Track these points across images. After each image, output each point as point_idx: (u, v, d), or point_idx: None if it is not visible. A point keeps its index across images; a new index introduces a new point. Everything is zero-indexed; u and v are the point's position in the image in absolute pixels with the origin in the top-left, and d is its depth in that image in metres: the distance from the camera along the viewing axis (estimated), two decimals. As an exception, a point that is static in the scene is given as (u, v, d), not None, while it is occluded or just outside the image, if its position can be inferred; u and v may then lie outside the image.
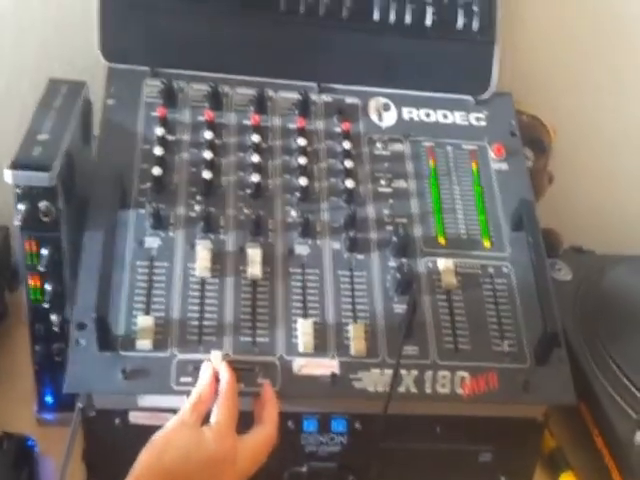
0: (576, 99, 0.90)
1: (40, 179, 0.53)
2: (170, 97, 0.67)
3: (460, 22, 0.75)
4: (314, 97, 0.72)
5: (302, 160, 0.67)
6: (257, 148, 0.67)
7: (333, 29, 0.73)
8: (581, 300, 0.78)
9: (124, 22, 0.68)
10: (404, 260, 0.62)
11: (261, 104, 0.69)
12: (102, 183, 0.60)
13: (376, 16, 0.73)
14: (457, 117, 0.76)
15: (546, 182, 0.87)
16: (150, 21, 0.68)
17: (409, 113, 0.75)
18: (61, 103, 0.60)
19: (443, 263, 0.64)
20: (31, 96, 0.62)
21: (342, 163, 0.68)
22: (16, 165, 0.54)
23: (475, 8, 0.75)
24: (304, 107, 0.70)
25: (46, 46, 0.75)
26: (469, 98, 0.77)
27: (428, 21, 0.74)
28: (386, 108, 0.74)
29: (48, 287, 0.56)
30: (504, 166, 0.73)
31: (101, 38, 0.67)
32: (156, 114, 0.66)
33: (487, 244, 0.67)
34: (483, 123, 0.76)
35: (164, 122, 0.64)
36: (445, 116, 0.76)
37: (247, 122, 0.68)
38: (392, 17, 0.73)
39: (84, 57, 0.68)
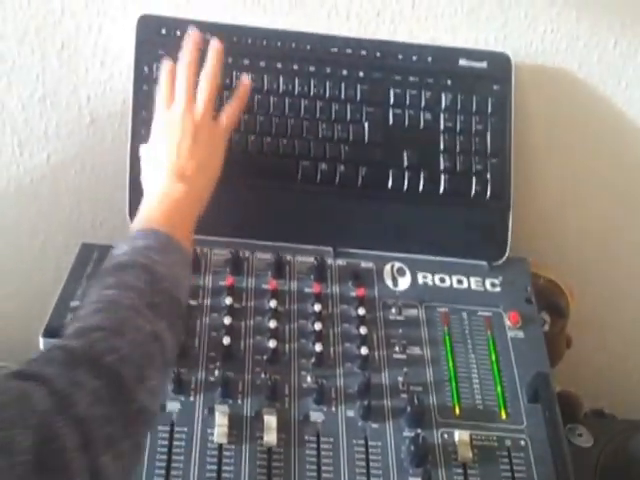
0: (593, 262, 1.08)
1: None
2: (193, 264, 0.83)
3: (473, 189, 0.94)
4: (330, 261, 0.89)
5: (317, 326, 0.83)
6: (274, 313, 0.83)
7: (349, 197, 0.92)
8: (602, 469, 0.88)
9: None
10: (419, 431, 0.76)
11: (279, 269, 0.87)
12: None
13: (390, 184, 0.93)
14: (472, 282, 0.93)
15: (564, 346, 1.02)
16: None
17: (424, 278, 0.92)
18: (92, 269, 0.77)
19: (459, 435, 0.77)
20: (65, 257, 0.80)
21: (357, 329, 0.84)
22: (49, 333, 0.70)
23: (488, 175, 0.95)
24: (320, 272, 0.88)
25: (79, 209, 0.95)
26: (484, 263, 0.94)
27: (441, 189, 0.93)
28: (401, 273, 0.91)
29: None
30: (520, 334, 0.89)
31: (130, 205, 0.86)
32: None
33: (503, 415, 0.81)
34: (498, 289, 0.93)
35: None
36: (460, 281, 0.92)
37: (265, 286, 0.85)
38: (406, 185, 0.93)
39: (114, 220, 0.86)
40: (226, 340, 0.79)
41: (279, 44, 0.91)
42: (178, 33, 0.89)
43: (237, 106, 0.84)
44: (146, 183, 0.78)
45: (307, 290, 0.86)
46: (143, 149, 0.81)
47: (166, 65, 0.82)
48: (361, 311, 0.85)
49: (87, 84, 0.91)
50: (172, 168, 0.75)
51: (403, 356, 0.84)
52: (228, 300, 0.82)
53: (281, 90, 0.91)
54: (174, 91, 0.80)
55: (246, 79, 0.86)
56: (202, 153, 0.77)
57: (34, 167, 0.95)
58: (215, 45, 0.82)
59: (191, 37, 0.81)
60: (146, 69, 0.89)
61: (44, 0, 0.88)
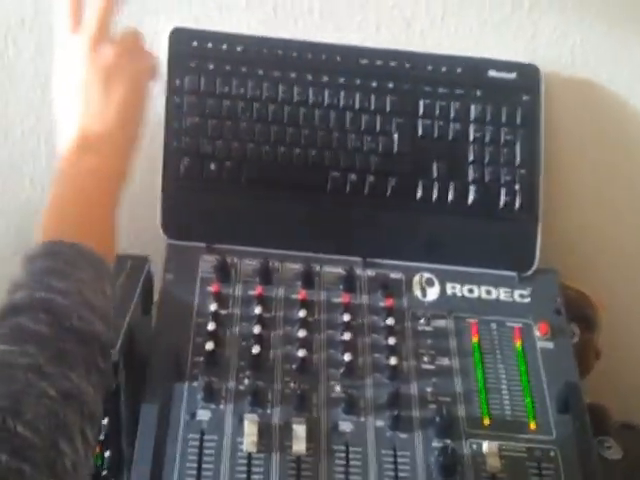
0: (623, 274, 1.07)
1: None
2: (224, 273, 0.85)
3: (502, 200, 0.94)
4: (359, 272, 0.90)
5: (346, 336, 0.83)
6: (304, 323, 0.84)
7: (378, 207, 0.93)
8: (632, 480, 0.88)
9: (184, 202, 0.90)
10: (448, 441, 0.77)
11: (308, 279, 0.88)
12: (159, 356, 0.77)
13: (419, 195, 0.93)
14: (501, 293, 0.93)
15: (593, 358, 1.01)
16: (207, 201, 0.89)
17: (452, 289, 0.92)
18: (125, 279, 0.78)
19: (488, 446, 0.77)
20: None
21: (386, 339, 0.84)
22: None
23: (517, 187, 0.95)
24: (349, 282, 0.88)
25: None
26: (513, 274, 0.94)
27: (470, 199, 0.94)
28: (430, 284, 0.92)
29: (107, 454, 0.72)
30: (549, 345, 0.89)
31: (162, 216, 0.88)
32: (211, 289, 0.84)
33: (533, 426, 0.81)
34: (527, 300, 0.93)
35: (218, 298, 0.83)
36: (489, 292, 0.93)
37: (295, 296, 0.86)
38: (435, 195, 0.93)
39: (148, 232, 0.88)
40: (256, 349, 0.80)
41: (310, 56, 0.92)
42: (210, 45, 0.91)
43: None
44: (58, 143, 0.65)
45: (336, 300, 0.87)
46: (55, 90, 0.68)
47: None
48: (390, 321, 0.86)
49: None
50: (78, 127, 0.62)
51: (432, 367, 0.84)
52: (258, 309, 0.83)
53: (311, 101, 0.92)
54: (79, 12, 0.66)
55: None
56: (118, 98, 0.65)
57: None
58: None
59: None
60: (178, 81, 0.90)
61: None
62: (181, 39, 0.91)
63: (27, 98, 0.97)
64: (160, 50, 0.90)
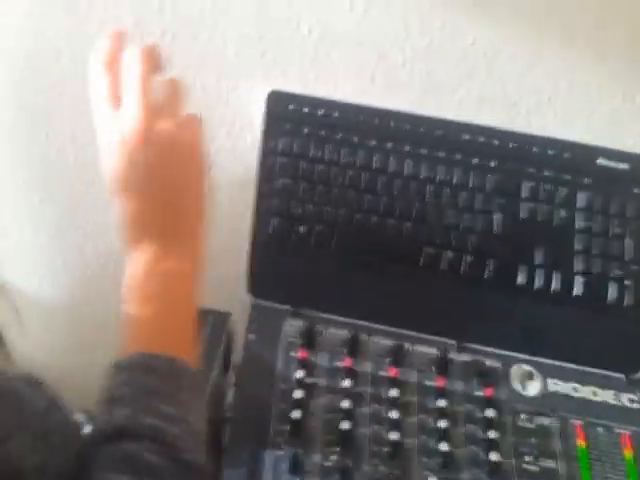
0: None
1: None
2: (310, 339, 0.78)
3: (611, 295, 0.87)
4: (453, 355, 0.82)
5: (442, 423, 0.75)
6: (394, 403, 0.75)
7: (474, 289, 0.86)
8: None
9: (271, 262, 0.85)
10: None
11: (399, 356, 0.80)
12: (240, 419, 0.68)
13: (521, 280, 0.86)
14: (608, 396, 0.83)
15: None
16: (294, 263, 0.84)
17: (555, 385, 0.83)
18: (207, 334, 0.72)
19: None
20: None
21: (484, 432, 0.75)
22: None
23: (627, 282, 0.87)
24: (443, 365, 0.80)
25: None
26: (621, 376, 0.85)
27: (576, 291, 0.86)
28: (530, 377, 0.83)
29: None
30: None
31: (249, 274, 0.83)
32: (296, 355, 0.77)
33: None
34: (637, 405, 0.83)
35: (303, 364, 0.75)
36: (595, 393, 0.83)
37: (384, 373, 0.78)
38: (537, 283, 0.86)
39: (231, 292, 0.82)
40: (344, 425, 0.71)
41: (408, 127, 0.89)
42: (306, 110, 0.88)
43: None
44: (125, 246, 0.57)
45: (429, 383, 0.79)
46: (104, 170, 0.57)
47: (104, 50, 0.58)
48: (489, 413, 0.77)
49: (213, 154, 0.88)
50: (151, 226, 0.55)
51: (535, 468, 0.75)
52: (346, 382, 0.76)
53: (407, 173, 0.87)
54: (119, 88, 0.57)
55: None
56: (165, 179, 0.56)
57: None
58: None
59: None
60: (272, 143, 0.87)
61: (176, 70, 0.87)
62: (278, 102, 0.89)
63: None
64: (256, 112, 0.87)
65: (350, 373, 0.77)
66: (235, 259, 0.84)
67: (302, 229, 0.84)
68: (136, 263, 0.54)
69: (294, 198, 0.85)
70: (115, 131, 0.55)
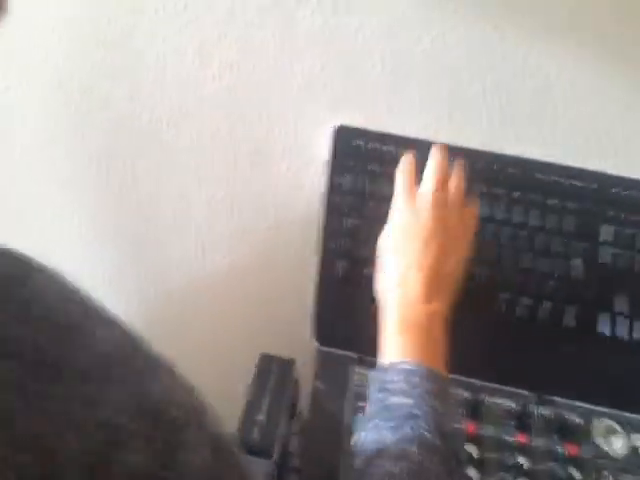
0: None
1: (261, 464, 0.58)
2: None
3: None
4: (531, 408, 0.77)
5: (524, 481, 0.69)
6: (472, 460, 0.70)
7: (552, 337, 0.81)
8: None
9: (338, 307, 0.81)
10: None
11: (474, 410, 0.75)
12: (308, 472, 0.64)
13: (600, 329, 0.81)
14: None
15: None
16: (363, 309, 0.78)
17: (639, 441, 0.78)
18: (274, 382, 0.68)
19: None
20: (239, 364, 0.72)
21: (570, 494, 0.70)
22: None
23: None
24: (522, 420, 0.75)
25: (258, 316, 0.89)
26: None
27: (662, 340, 0.81)
28: (613, 432, 0.78)
29: None
30: None
31: (315, 320, 0.79)
32: (363, 405, 0.72)
33: None
34: None
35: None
36: (682, 450, 0.78)
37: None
38: (618, 332, 0.81)
39: (293, 334, 0.78)
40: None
41: (481, 165, 0.84)
42: (375, 146, 0.84)
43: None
44: (388, 289, 0.68)
45: (508, 438, 0.74)
46: (384, 241, 0.73)
47: (406, 157, 0.77)
48: (574, 473, 0.72)
49: (274, 189, 0.85)
50: (425, 281, 0.65)
51: None
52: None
53: (480, 214, 0.82)
54: (414, 183, 0.74)
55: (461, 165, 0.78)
56: (451, 251, 0.69)
57: (215, 270, 0.90)
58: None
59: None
60: (338, 180, 0.83)
61: (240, 102, 0.84)
62: (346, 137, 0.85)
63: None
64: (322, 147, 0.84)
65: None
66: (300, 302, 0.80)
67: (368, 273, 0.80)
68: (410, 302, 0.65)
69: (362, 239, 0.81)
70: (412, 204, 0.71)
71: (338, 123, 0.84)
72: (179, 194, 0.89)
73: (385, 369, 0.59)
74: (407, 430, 0.52)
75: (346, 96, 0.85)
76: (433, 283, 0.65)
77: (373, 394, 0.58)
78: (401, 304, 0.64)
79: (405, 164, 0.76)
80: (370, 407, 0.57)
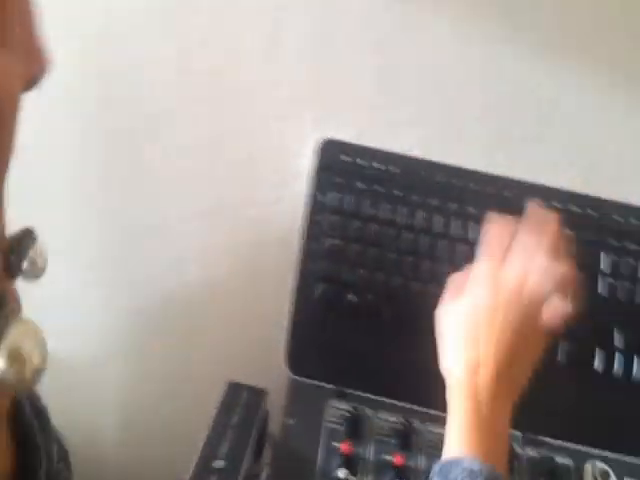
0: None
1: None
2: (355, 427, 0.69)
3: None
4: (518, 449, 0.72)
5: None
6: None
7: (545, 374, 0.75)
8: None
9: (314, 334, 0.75)
10: None
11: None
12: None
13: (597, 365, 0.75)
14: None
15: None
16: (341, 336, 0.74)
17: (632, 486, 0.72)
18: (239, 418, 0.62)
19: None
20: (209, 390, 0.68)
21: None
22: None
23: None
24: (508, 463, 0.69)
25: (229, 335, 0.86)
26: None
27: (659, 379, 0.75)
28: (605, 477, 0.72)
29: None
30: None
31: (288, 347, 0.74)
32: (338, 447, 0.67)
33: None
34: None
35: (347, 461, 0.66)
36: (678, 497, 0.73)
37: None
38: (616, 369, 0.75)
39: (267, 359, 0.73)
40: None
41: (474, 186, 0.79)
42: (361, 162, 0.79)
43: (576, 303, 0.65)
44: (457, 374, 0.61)
45: (491, 483, 0.68)
46: (454, 308, 0.64)
47: (499, 217, 0.68)
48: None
49: (254, 202, 0.80)
50: (489, 375, 0.60)
51: None
52: None
53: (471, 237, 0.78)
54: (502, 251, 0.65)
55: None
56: (522, 353, 0.62)
57: (188, 287, 0.85)
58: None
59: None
60: (321, 197, 0.78)
61: (222, 112, 0.79)
62: (331, 151, 0.80)
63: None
64: (307, 161, 0.78)
65: (400, 472, 0.66)
66: (278, 325, 0.75)
67: (351, 297, 0.75)
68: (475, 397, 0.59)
69: (344, 262, 0.76)
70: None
71: (324, 137, 0.79)
72: (153, 206, 0.84)
73: (451, 463, 0.55)
74: None
75: (334, 109, 0.81)
76: (504, 379, 0.60)
77: None
78: (470, 397, 0.59)
79: (497, 219, 0.68)
80: None
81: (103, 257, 0.86)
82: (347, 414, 0.70)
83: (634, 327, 0.77)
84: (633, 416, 0.75)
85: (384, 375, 0.73)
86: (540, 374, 0.74)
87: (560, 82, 0.78)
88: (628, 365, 0.76)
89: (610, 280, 0.78)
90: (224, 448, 0.60)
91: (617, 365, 0.76)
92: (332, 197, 0.78)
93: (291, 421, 0.68)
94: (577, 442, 0.74)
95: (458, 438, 0.57)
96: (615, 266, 0.78)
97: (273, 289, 0.78)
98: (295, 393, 0.71)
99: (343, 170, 0.79)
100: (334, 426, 0.69)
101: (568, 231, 0.68)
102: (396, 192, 0.79)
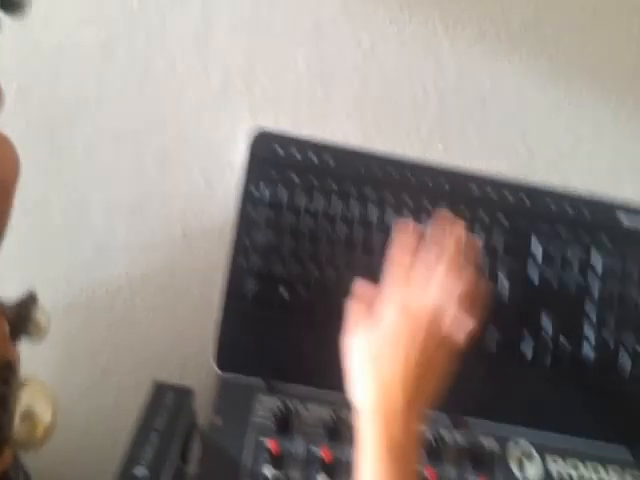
0: None
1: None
2: (284, 422, 0.70)
3: (625, 369, 0.79)
4: (445, 433, 0.74)
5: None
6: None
7: (475, 360, 0.77)
8: None
9: (245, 330, 0.75)
10: None
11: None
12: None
13: (525, 350, 0.78)
14: (611, 474, 0.76)
15: None
16: (274, 332, 0.75)
17: (555, 463, 0.76)
18: (165, 421, 0.63)
19: None
20: (133, 390, 0.71)
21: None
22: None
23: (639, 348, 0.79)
24: (434, 451, 0.72)
25: (155, 332, 0.84)
26: (624, 449, 0.78)
27: (585, 362, 0.78)
28: (528, 456, 0.75)
29: None
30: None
31: (217, 344, 0.74)
32: (266, 444, 0.69)
33: None
34: (642, 488, 0.76)
35: (275, 459, 0.67)
36: (596, 470, 0.76)
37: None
38: (543, 354, 0.78)
39: (195, 356, 0.74)
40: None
41: (411, 177, 0.79)
42: (296, 154, 0.78)
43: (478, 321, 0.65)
44: (364, 398, 0.62)
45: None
46: (361, 338, 0.64)
47: (403, 237, 0.68)
48: (482, 505, 0.69)
49: (185, 197, 0.79)
50: (404, 400, 0.60)
51: None
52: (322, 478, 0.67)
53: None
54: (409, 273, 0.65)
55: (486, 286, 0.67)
56: (434, 375, 0.62)
57: (112, 283, 0.83)
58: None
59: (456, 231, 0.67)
60: (254, 190, 0.77)
61: (149, 100, 0.77)
62: (264, 142, 0.79)
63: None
64: (239, 153, 0.78)
65: (328, 466, 0.68)
66: (203, 323, 0.76)
67: (284, 292, 0.75)
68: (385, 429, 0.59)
69: (276, 256, 0.76)
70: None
71: (257, 127, 0.78)
72: (76, 199, 0.82)
73: None
74: None
75: (267, 99, 0.80)
76: (414, 402, 0.60)
77: None
78: (383, 426, 0.59)
79: (402, 240, 0.68)
80: None
81: (23, 251, 0.85)
82: (276, 408, 0.70)
83: (563, 313, 0.79)
84: (557, 395, 0.78)
85: (315, 368, 0.74)
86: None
87: (497, 70, 0.77)
88: (555, 351, 0.78)
89: (541, 267, 0.79)
90: (148, 454, 0.61)
91: (544, 350, 0.78)
92: (265, 190, 0.78)
93: (219, 419, 0.69)
94: (503, 422, 0.77)
95: (373, 470, 0.57)
96: (546, 253, 0.79)
97: (203, 284, 0.78)
98: (224, 390, 0.72)
99: (276, 162, 0.78)
100: (263, 421, 0.70)
101: (474, 238, 0.70)
102: (331, 184, 0.78)
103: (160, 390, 0.68)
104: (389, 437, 0.58)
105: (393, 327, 0.62)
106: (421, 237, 0.67)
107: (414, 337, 0.61)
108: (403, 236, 0.67)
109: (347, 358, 0.64)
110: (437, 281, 0.63)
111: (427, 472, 0.71)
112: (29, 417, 0.21)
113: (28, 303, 0.24)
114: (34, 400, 0.21)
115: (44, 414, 0.22)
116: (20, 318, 0.23)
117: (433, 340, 0.62)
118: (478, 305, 0.65)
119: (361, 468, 0.58)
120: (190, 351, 0.79)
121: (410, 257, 0.65)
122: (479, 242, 0.72)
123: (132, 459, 0.61)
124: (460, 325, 0.63)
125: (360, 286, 0.67)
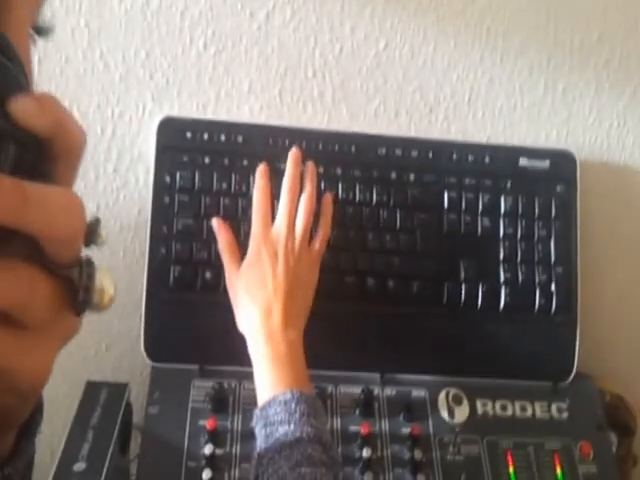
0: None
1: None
2: (220, 402, 0.71)
3: (538, 303, 0.81)
4: (377, 391, 0.76)
5: (367, 477, 0.70)
6: (310, 459, 0.69)
7: (398, 314, 0.79)
8: None
9: (172, 317, 0.75)
10: None
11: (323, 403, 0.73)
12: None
13: (446, 299, 0.79)
14: (537, 409, 0.80)
15: (630, 466, 0.90)
16: (200, 316, 0.75)
17: (483, 406, 0.79)
18: (98, 419, 0.64)
19: None
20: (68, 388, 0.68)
21: (413, 475, 0.71)
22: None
23: (553, 287, 0.82)
24: (367, 406, 0.74)
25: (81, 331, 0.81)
26: (548, 385, 0.81)
27: (502, 303, 0.80)
28: (457, 401, 0.78)
29: None
30: (592, 468, 0.77)
31: (146, 335, 0.74)
32: (204, 424, 0.69)
33: None
34: (565, 415, 0.80)
35: (213, 436, 0.68)
36: (524, 408, 0.80)
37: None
38: (463, 300, 0.80)
39: (124, 349, 0.73)
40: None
41: (320, 146, 0.78)
42: (205, 136, 0.77)
43: (327, 229, 0.75)
44: (248, 324, 0.69)
45: (353, 429, 0.73)
46: (236, 277, 0.71)
47: (261, 182, 0.73)
48: (416, 454, 0.72)
49: (97, 192, 0.77)
50: (279, 315, 0.67)
51: None
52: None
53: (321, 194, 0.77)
54: (270, 210, 0.72)
55: (329, 197, 0.76)
56: (301, 285, 0.70)
57: None
58: (311, 167, 0.75)
59: (292, 157, 0.74)
60: (168, 178, 0.76)
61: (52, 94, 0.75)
62: (172, 129, 0.77)
63: None
64: (148, 142, 0.76)
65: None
66: (132, 318, 0.75)
67: (208, 275, 0.75)
68: (265, 338, 0.66)
69: (197, 240, 0.76)
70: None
71: (162, 114, 0.76)
72: None
73: (266, 405, 0.62)
74: (297, 456, 0.57)
75: (171, 84, 0.77)
76: (292, 314, 0.67)
77: (260, 431, 0.60)
78: (267, 341, 0.66)
79: (260, 185, 0.73)
80: (261, 444, 0.60)
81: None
82: (211, 390, 0.71)
83: (477, 258, 0.81)
84: (481, 341, 0.81)
85: (244, 347, 0.75)
86: (392, 313, 0.78)
87: (390, 30, 0.76)
88: (473, 296, 0.80)
89: (453, 217, 0.80)
90: (84, 450, 0.60)
91: (463, 297, 0.80)
92: (179, 176, 0.76)
93: (155, 408, 0.69)
94: (432, 373, 0.79)
95: (266, 382, 0.63)
96: (456, 203, 0.80)
97: (127, 279, 0.77)
98: (157, 380, 0.72)
99: (186, 147, 0.77)
100: (199, 405, 0.71)
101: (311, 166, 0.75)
102: (244, 162, 0.77)
103: (93, 388, 0.68)
104: (274, 350, 0.65)
105: (256, 255, 0.69)
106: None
107: (274, 257, 0.68)
108: (262, 180, 0.73)
109: (231, 295, 0.71)
110: (282, 205, 0.71)
111: (360, 427, 0.73)
112: (101, 288, 0.29)
113: (96, 221, 0.29)
114: (103, 278, 0.29)
115: (110, 288, 0.29)
116: (90, 232, 0.29)
117: (293, 255, 0.69)
118: (326, 215, 0.74)
119: (257, 380, 0.64)
120: (124, 347, 0.79)
121: (268, 197, 0.72)
122: (315, 167, 0.76)
123: (69, 456, 0.60)
124: (314, 236, 0.72)
125: (226, 230, 0.73)
